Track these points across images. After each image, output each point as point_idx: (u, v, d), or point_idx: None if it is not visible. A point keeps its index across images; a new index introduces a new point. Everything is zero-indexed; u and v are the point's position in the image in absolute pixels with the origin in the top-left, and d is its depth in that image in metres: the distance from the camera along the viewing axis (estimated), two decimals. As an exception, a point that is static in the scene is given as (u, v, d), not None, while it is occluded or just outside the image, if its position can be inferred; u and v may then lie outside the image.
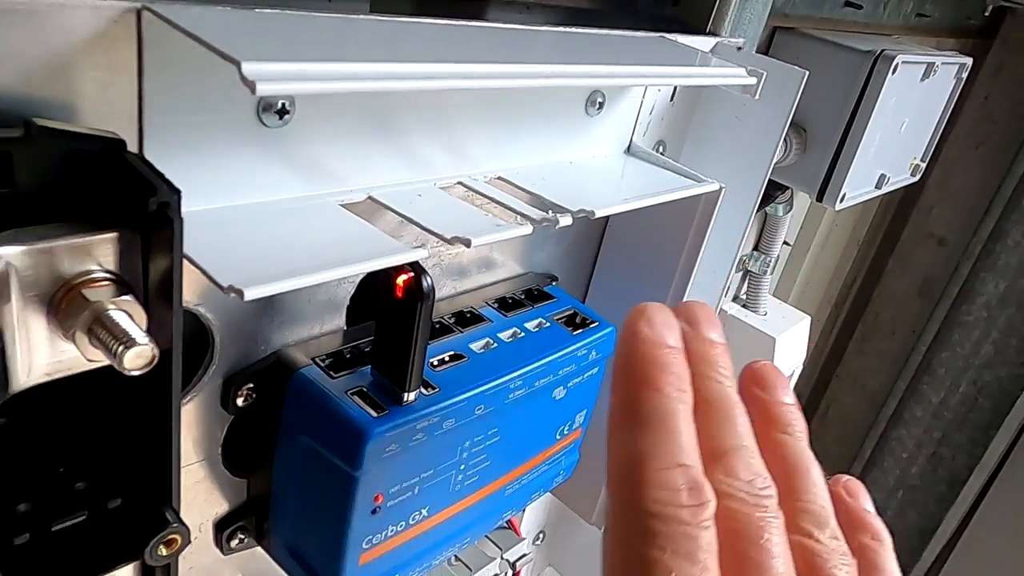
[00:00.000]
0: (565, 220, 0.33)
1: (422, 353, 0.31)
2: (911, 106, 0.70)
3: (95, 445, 0.25)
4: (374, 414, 0.31)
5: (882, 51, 0.60)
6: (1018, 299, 1.13)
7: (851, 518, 0.22)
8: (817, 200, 0.68)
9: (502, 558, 0.48)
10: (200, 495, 0.34)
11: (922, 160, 0.80)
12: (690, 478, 0.19)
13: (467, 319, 0.38)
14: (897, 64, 0.60)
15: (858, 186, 0.68)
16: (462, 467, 0.35)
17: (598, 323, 0.41)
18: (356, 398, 0.31)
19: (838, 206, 0.67)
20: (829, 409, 1.33)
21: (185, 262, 0.23)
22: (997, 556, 1.18)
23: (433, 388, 0.33)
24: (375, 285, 0.36)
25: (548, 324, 0.40)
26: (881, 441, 1.29)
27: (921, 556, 1.24)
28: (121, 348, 0.20)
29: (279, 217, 0.28)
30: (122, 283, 0.22)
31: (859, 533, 0.22)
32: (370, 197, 0.32)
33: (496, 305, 0.40)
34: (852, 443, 1.32)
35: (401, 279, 0.30)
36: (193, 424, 0.32)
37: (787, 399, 0.23)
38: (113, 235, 0.21)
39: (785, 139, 0.56)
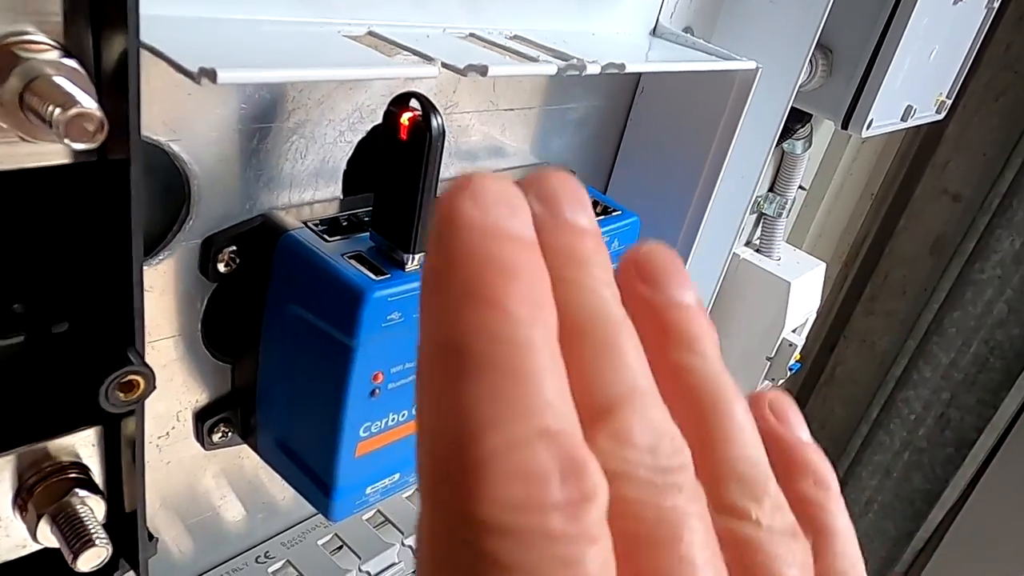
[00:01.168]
0: (592, 69, 0.29)
1: (429, 209, 0.27)
2: (942, 31, 0.66)
3: (37, 264, 0.21)
4: (374, 277, 0.27)
5: (916, -37, 0.56)
6: (1034, 256, 1.10)
7: (784, 455, 0.16)
8: (842, 127, 0.64)
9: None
10: (177, 377, 0.30)
11: (948, 96, 0.76)
12: (563, 453, 0.11)
13: (477, 199, 0.34)
14: (932, -22, 0.56)
15: (885, 115, 0.65)
16: (471, 355, 0.31)
17: (621, 212, 0.37)
18: (353, 261, 0.27)
19: (864, 133, 0.64)
20: (836, 370, 1.30)
21: (149, 57, 0.19)
22: (1004, 519, 1.16)
23: (440, 258, 0.29)
24: (376, 145, 0.32)
25: (567, 209, 0.36)
26: (888, 403, 1.26)
27: (926, 519, 1.21)
28: (59, 111, 0.16)
29: (271, 36, 0.24)
30: (67, 53, 0.18)
31: (797, 477, 0.16)
32: (371, 32, 0.28)
33: (509, 189, 0.36)
34: (858, 405, 1.30)
35: (405, 117, 0.26)
36: (168, 291, 0.28)
37: (687, 298, 0.15)
38: (55, -12, 0.17)
39: (810, 60, 0.52)
